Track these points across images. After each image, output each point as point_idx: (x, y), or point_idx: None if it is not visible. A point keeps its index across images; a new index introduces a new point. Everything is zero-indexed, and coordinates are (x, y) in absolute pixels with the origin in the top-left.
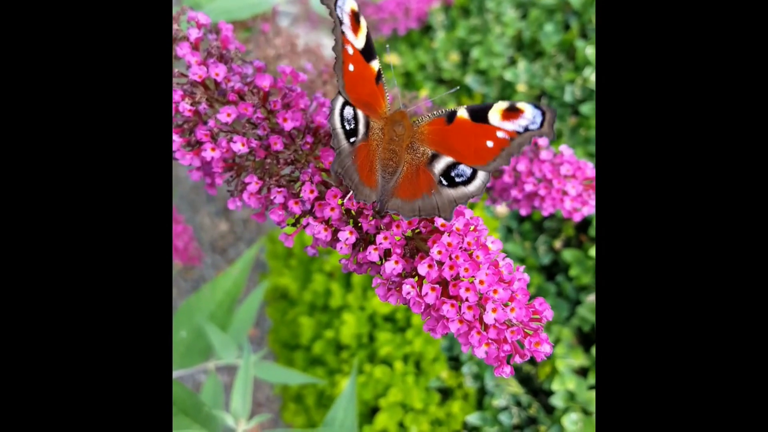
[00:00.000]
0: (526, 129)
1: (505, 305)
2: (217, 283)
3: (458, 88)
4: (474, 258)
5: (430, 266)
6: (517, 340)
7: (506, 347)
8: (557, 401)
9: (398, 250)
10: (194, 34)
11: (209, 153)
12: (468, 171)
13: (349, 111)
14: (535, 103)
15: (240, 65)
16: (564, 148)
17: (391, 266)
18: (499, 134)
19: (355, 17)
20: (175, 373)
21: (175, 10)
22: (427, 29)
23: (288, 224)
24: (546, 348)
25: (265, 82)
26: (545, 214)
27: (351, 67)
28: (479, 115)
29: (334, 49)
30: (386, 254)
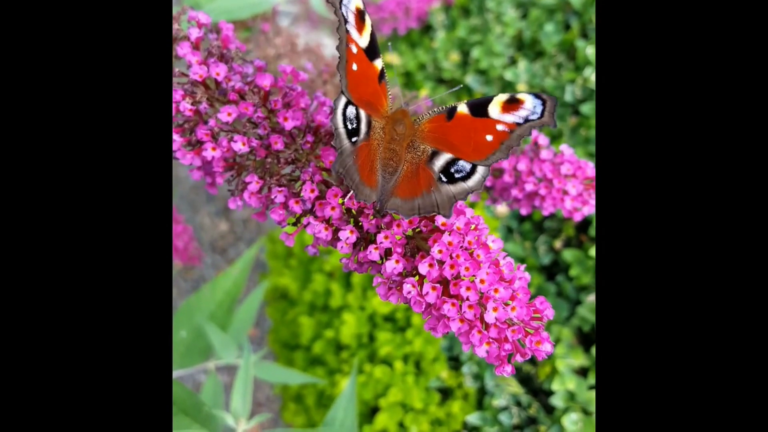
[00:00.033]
0: (526, 120)
1: (506, 304)
2: (217, 283)
3: (461, 86)
4: (475, 257)
5: (430, 265)
6: (518, 339)
7: (507, 346)
8: (557, 401)
9: (399, 249)
10: (195, 33)
11: (210, 152)
12: (467, 166)
13: (351, 110)
14: (536, 92)
15: (240, 65)
16: (564, 147)
17: (392, 265)
18: (499, 127)
19: (360, 15)
20: (175, 373)
21: (175, 9)
22: (427, 29)
23: (289, 223)
24: (547, 347)
25: (265, 82)
26: (545, 213)
27: (354, 66)
28: (479, 109)
29: (337, 48)
30: (387, 253)
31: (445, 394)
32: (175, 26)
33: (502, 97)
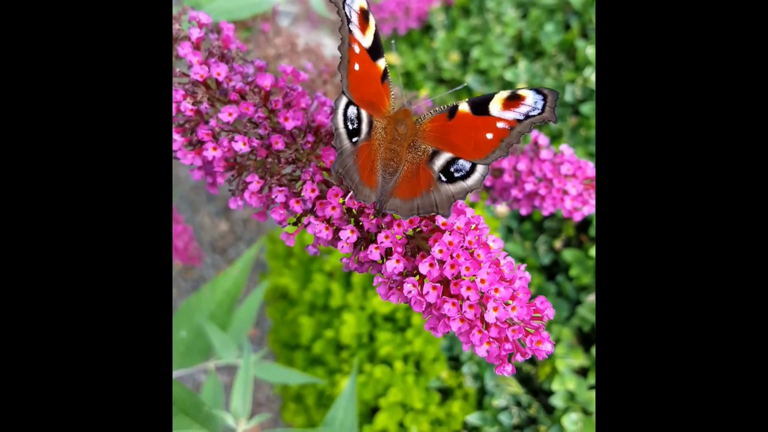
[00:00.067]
0: (527, 116)
1: (507, 304)
2: (217, 283)
3: (464, 85)
4: (475, 257)
5: (431, 265)
6: (519, 339)
7: (507, 346)
8: (557, 401)
9: (399, 249)
10: (196, 33)
11: (211, 152)
12: (467, 165)
13: (352, 111)
14: (537, 87)
15: (241, 65)
16: (564, 147)
17: (393, 265)
18: (500, 125)
19: (363, 15)
20: (175, 373)
21: (175, 9)
22: (427, 29)
23: (289, 223)
24: (547, 346)
25: (266, 82)
26: (545, 213)
27: (356, 66)
28: (480, 107)
29: (339, 48)
30: (387, 253)
31: (445, 394)
32: (175, 26)
33: (504, 94)
